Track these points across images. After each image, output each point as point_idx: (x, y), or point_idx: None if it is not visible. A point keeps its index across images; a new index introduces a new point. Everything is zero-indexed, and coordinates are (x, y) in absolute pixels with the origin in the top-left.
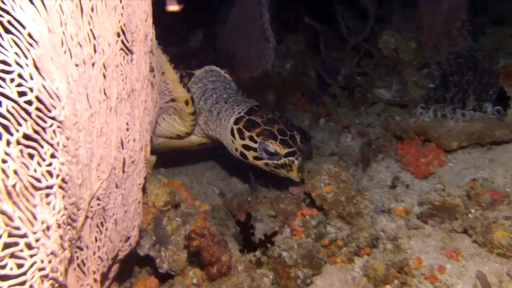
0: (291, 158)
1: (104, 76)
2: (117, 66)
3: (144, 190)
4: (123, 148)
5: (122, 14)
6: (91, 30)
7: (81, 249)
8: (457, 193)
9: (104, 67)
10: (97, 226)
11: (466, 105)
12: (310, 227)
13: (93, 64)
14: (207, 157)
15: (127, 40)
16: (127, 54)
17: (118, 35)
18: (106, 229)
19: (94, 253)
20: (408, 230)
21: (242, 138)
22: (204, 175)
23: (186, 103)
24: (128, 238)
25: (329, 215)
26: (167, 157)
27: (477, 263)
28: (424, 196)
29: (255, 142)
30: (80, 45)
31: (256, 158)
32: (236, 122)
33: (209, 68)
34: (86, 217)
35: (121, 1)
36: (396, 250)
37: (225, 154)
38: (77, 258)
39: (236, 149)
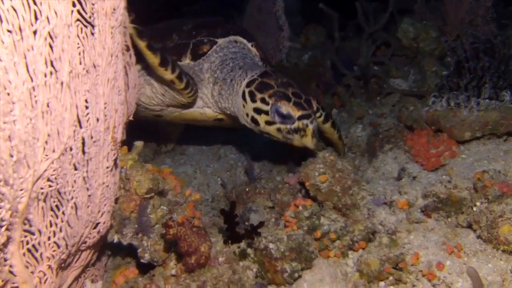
0: (305, 121)
1: (51, 47)
2: (69, 38)
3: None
4: (81, 127)
5: None
6: None
7: (31, 233)
8: (464, 186)
9: (51, 37)
10: (52, 210)
11: (481, 93)
12: (303, 218)
13: (34, 32)
14: (215, 148)
15: (85, 11)
16: (86, 27)
17: (74, 5)
18: (63, 213)
19: (48, 239)
20: (409, 224)
21: (254, 101)
22: (209, 166)
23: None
24: (96, 225)
25: (324, 206)
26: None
27: (481, 260)
28: (429, 189)
29: (267, 104)
30: (15, 10)
31: (268, 122)
32: (248, 84)
33: (233, 39)
34: (37, 199)
35: None
36: (393, 244)
37: (232, 146)
38: (27, 243)
39: (247, 114)
